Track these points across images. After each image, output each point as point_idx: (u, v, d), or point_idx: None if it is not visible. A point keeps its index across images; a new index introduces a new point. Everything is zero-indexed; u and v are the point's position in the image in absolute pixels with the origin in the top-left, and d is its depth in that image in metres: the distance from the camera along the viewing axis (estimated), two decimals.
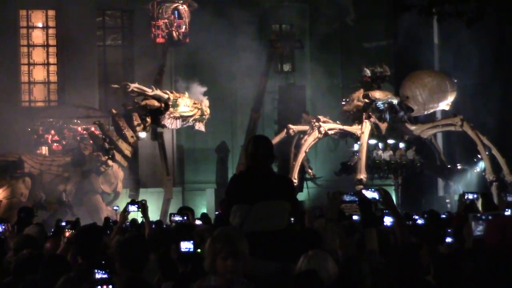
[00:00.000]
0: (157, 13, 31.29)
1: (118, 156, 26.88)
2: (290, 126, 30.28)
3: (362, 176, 28.51)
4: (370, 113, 29.72)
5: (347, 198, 6.41)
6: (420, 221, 13.50)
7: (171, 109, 26.75)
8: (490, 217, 6.02)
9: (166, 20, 31.16)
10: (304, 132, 29.97)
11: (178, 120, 27.03)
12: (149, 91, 26.72)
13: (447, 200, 31.69)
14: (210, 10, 32.92)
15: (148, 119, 26.99)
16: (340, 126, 30.05)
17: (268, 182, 6.45)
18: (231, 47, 33.69)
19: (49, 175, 26.39)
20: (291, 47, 35.05)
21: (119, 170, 27.01)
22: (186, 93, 27.62)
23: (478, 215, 6.05)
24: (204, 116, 27.48)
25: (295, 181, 29.00)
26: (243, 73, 33.05)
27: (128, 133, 26.79)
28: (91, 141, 27.60)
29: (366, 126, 29.37)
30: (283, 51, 34.39)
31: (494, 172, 29.48)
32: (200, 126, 27.64)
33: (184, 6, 31.52)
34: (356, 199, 6.40)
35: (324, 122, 29.64)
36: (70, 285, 4.93)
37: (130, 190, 29.00)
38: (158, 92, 26.83)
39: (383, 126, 29.94)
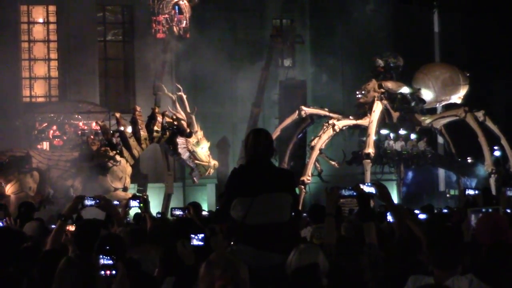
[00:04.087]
0: (157, 8, 31.26)
1: (125, 153, 26.93)
2: (303, 107, 30.54)
3: (370, 150, 28.81)
4: (382, 96, 29.83)
5: (345, 192, 6.40)
6: (422, 216, 13.50)
7: (190, 140, 27.07)
8: (490, 210, 6.04)
9: (166, 15, 31.14)
10: (316, 116, 30.43)
11: (187, 153, 27.36)
12: (189, 110, 27.02)
13: (448, 195, 31.71)
14: (211, 5, 32.90)
15: (168, 133, 27.20)
16: (354, 122, 30.20)
17: (269, 175, 6.44)
18: (231, 42, 33.68)
19: (57, 171, 26.40)
20: (291, 42, 35.06)
21: (127, 166, 27.04)
22: (210, 142, 28.25)
23: (477, 208, 6.07)
24: (206, 172, 27.99)
25: (309, 178, 29.13)
26: (244, 68, 33.04)
27: (143, 134, 26.90)
28: (99, 136, 27.66)
29: (378, 105, 29.54)
30: (284, 46, 34.42)
31: (494, 164, 29.56)
32: (195, 177, 27.92)
33: (185, 1, 31.47)
34: (354, 193, 6.40)
35: (337, 120, 29.82)
36: (71, 267, 4.90)
37: (138, 185, 29.08)
38: (194, 118, 27.14)
39: (395, 114, 30.07)
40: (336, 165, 31.24)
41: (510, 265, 4.99)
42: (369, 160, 28.98)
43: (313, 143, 30.07)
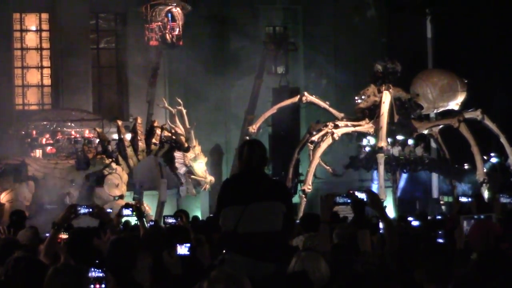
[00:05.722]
0: (150, 16, 31.24)
1: (121, 162, 26.89)
2: (305, 93, 30.48)
3: (383, 143, 28.70)
4: (389, 85, 29.79)
5: (339, 200, 6.39)
6: (415, 223, 13.53)
7: (188, 155, 27.05)
8: (482, 217, 6.05)
9: (159, 23, 31.12)
10: (317, 105, 30.48)
11: (184, 167, 27.32)
12: (188, 125, 26.99)
13: (442, 202, 31.71)
14: (203, 12, 32.89)
15: (166, 146, 27.17)
16: (353, 128, 30.07)
17: (262, 184, 6.42)
18: (224, 49, 33.69)
19: (52, 178, 26.32)
20: (284, 49, 35.09)
21: (123, 173, 26.99)
22: (207, 158, 28.14)
23: (470, 216, 6.08)
24: (199, 188, 28.03)
25: (310, 187, 28.93)
26: (237, 75, 33.03)
27: (142, 145, 26.86)
28: (92, 144, 27.62)
29: (386, 95, 29.46)
30: (277, 53, 34.44)
31: (491, 170, 29.63)
32: (182, 192, 28.16)
33: (178, 8, 31.48)
34: (349, 200, 6.39)
35: (335, 127, 29.65)
36: (60, 276, 4.86)
37: (134, 193, 29.05)
38: (192, 133, 27.10)
39: (396, 116, 30.12)
40: (331, 170, 31.18)
41: (502, 272, 4.98)
42: (382, 154, 28.72)
43: (310, 152, 29.97)
